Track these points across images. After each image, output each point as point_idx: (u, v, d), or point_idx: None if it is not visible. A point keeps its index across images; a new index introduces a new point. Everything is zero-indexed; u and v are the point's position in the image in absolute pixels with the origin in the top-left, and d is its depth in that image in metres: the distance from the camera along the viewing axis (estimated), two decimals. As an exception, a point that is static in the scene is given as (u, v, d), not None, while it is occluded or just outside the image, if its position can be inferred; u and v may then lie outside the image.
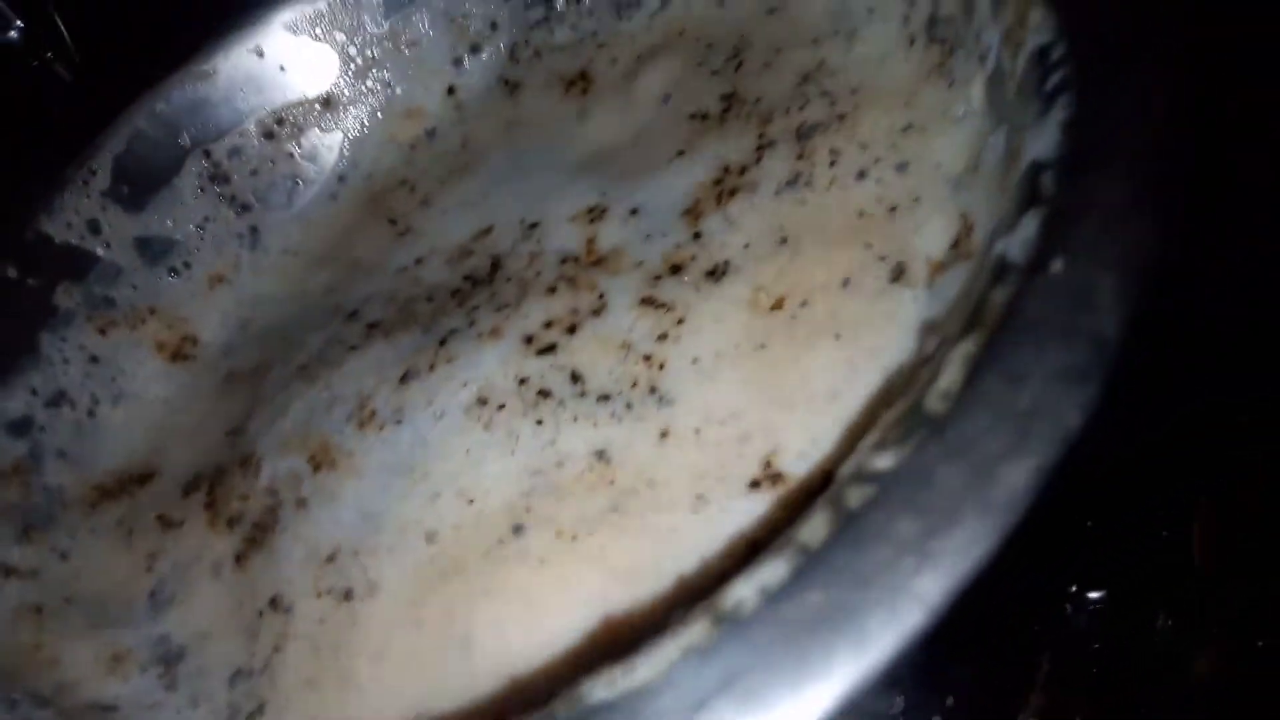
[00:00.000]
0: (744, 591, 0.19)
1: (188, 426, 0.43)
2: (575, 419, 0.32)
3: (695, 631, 0.19)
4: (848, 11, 0.39)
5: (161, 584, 0.37)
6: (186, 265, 0.47)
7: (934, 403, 0.19)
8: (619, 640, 0.27)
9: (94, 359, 0.44)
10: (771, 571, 0.19)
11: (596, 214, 0.38)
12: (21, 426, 0.41)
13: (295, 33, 0.49)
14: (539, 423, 0.32)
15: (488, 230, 0.41)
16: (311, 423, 0.37)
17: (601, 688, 0.19)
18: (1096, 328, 0.18)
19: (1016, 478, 0.17)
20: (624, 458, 0.30)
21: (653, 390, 0.32)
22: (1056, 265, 0.20)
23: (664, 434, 0.30)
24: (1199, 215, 0.20)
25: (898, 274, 0.30)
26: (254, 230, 0.49)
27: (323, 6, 0.49)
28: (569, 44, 0.48)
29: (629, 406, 0.32)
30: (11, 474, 0.40)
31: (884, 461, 0.19)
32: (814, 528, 0.19)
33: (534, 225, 0.40)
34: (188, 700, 0.32)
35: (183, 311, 0.47)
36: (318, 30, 0.50)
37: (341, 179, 0.50)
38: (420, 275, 0.41)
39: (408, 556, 0.31)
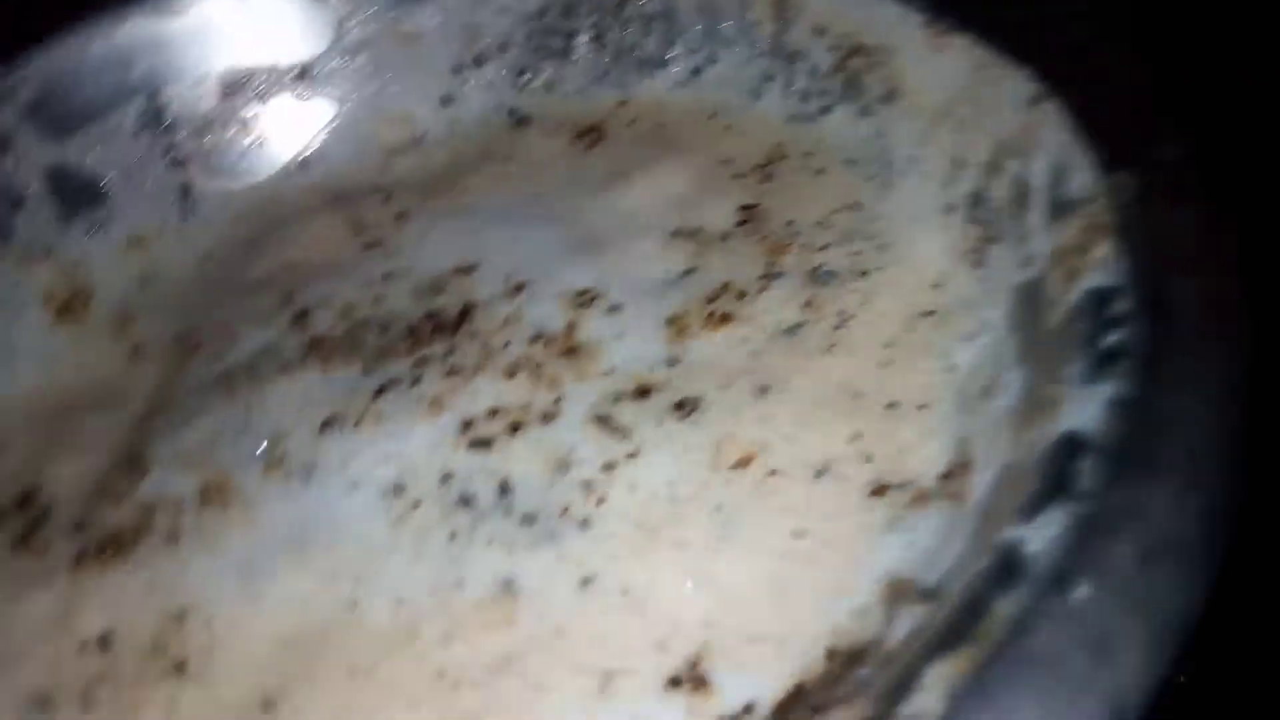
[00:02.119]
0: None
1: (58, 401, 0.39)
2: (490, 542, 0.29)
3: None
4: (886, 151, 0.37)
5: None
6: (106, 217, 0.43)
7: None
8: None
9: (-39, 289, 0.40)
10: None
11: (586, 300, 0.36)
12: None
13: (289, -14, 0.45)
14: (451, 536, 0.29)
15: (471, 268, 0.38)
16: (218, 444, 0.34)
17: None
18: (1116, 689, 0.16)
19: None
20: (533, 598, 0.28)
21: (584, 525, 0.29)
22: (1080, 592, 0.17)
23: (585, 581, 0.28)
24: (1262, 554, 0.18)
25: (878, 489, 0.28)
26: (187, 192, 0.45)
27: (326, -37, 0.45)
28: (586, 88, 0.45)
29: (553, 537, 0.29)
30: None
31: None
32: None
33: (520, 286, 0.37)
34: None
35: (85, 263, 0.42)
36: (316, -9, 0.46)
37: (303, 165, 0.46)
38: (383, 294, 0.38)
39: (265, 647, 0.28)
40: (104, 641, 0.29)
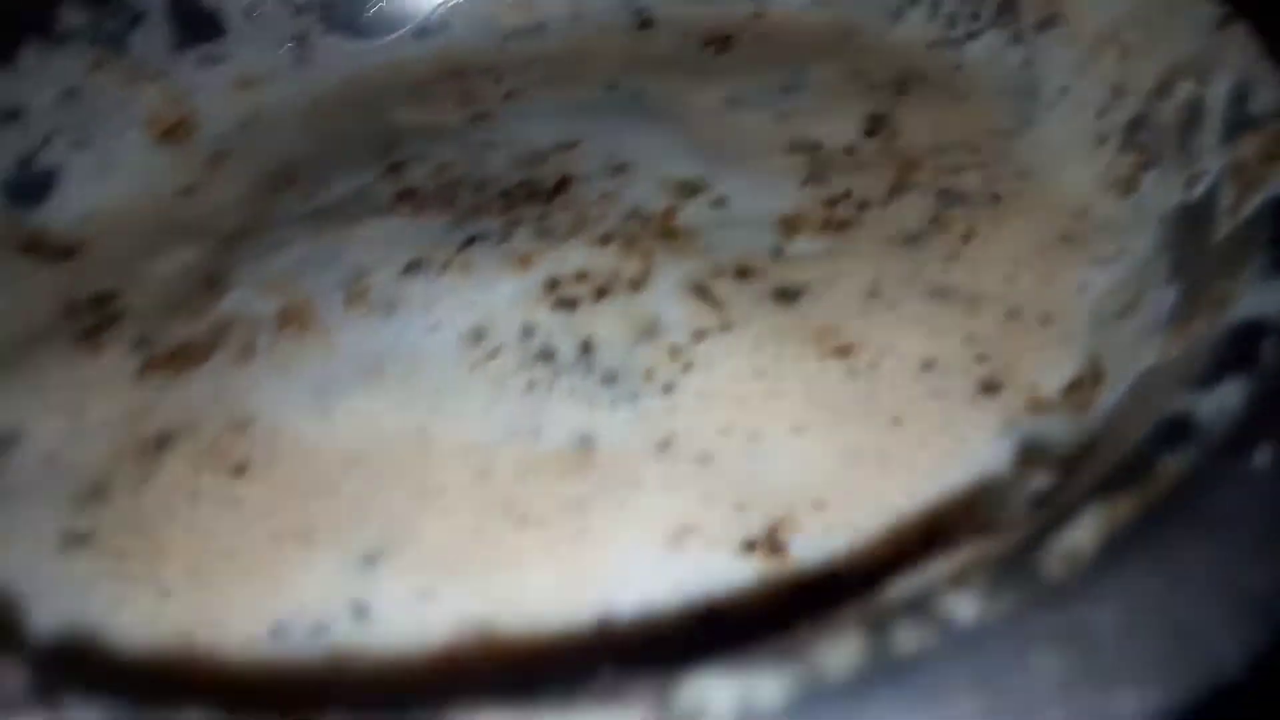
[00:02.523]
0: (717, 696, 0.14)
1: (147, 217, 0.38)
2: (571, 395, 0.27)
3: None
4: (1035, 82, 0.35)
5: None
6: (220, 52, 0.42)
7: (1052, 562, 0.14)
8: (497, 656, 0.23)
9: (71, 93, 0.39)
10: (767, 685, 0.14)
11: (689, 190, 0.34)
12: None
13: None
14: (529, 386, 0.28)
15: (573, 145, 0.37)
16: (302, 272, 0.33)
17: None
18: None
19: (1131, 708, 0.13)
20: (610, 453, 0.26)
21: (667, 389, 0.27)
22: (1261, 456, 0.15)
23: (664, 444, 0.26)
24: None
25: (989, 387, 0.26)
26: (303, 41, 0.44)
27: None
28: (720, -1, 0.44)
29: (634, 397, 0.27)
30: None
31: (963, 608, 0.14)
32: (839, 649, 0.14)
33: (622, 167, 0.35)
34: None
35: (193, 94, 0.42)
36: None
37: (420, 34, 0.45)
38: (481, 159, 0.37)
39: (330, 462, 0.27)
40: (161, 441, 0.28)
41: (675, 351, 0.28)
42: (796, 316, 0.29)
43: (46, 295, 0.35)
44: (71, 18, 0.39)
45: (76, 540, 0.26)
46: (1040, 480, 0.20)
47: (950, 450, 0.24)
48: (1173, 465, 0.16)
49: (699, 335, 0.28)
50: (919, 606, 0.14)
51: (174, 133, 0.41)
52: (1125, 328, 0.25)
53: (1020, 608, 0.14)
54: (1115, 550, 0.14)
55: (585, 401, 0.27)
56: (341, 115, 0.42)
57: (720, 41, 0.43)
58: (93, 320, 0.34)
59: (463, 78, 0.43)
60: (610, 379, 0.28)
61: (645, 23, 0.45)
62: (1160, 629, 0.14)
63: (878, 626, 0.14)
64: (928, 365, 0.27)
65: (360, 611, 0.24)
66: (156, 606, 0.24)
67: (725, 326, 0.28)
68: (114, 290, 0.35)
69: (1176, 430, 0.16)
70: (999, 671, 0.13)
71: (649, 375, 0.28)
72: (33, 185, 0.38)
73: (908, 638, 0.14)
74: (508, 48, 0.45)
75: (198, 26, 0.42)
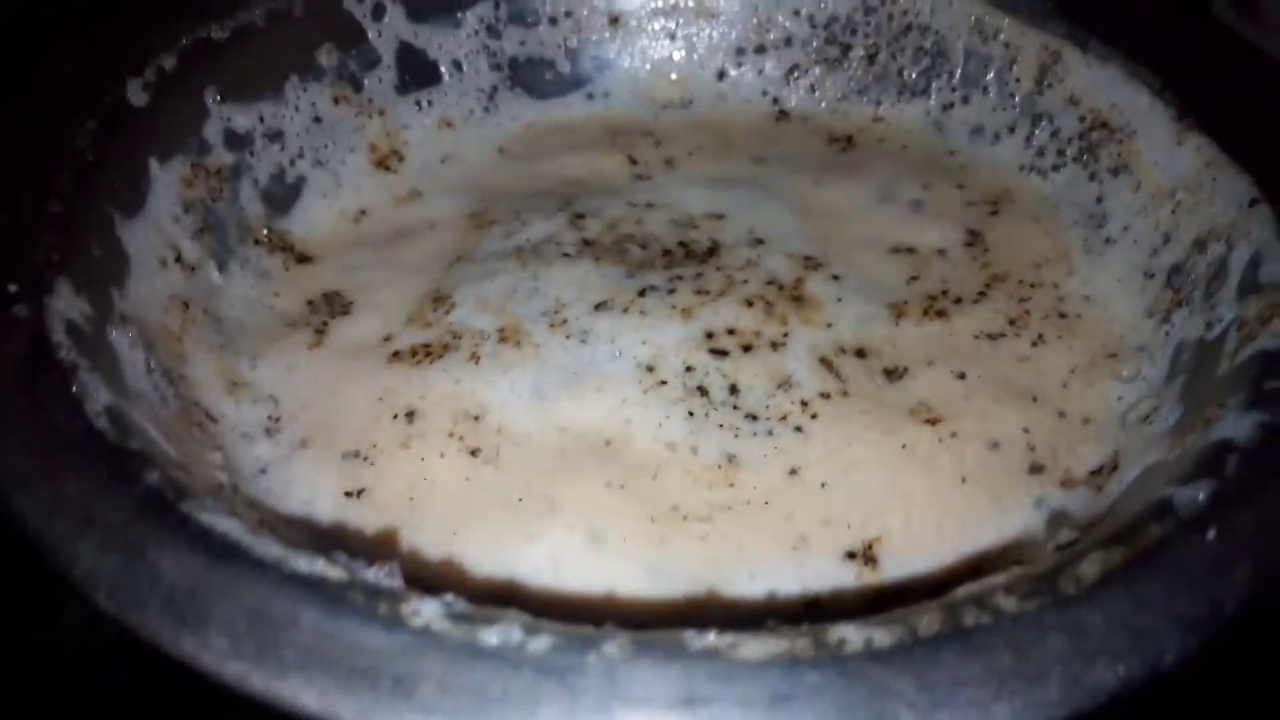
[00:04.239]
0: (851, 635, 0.24)
1: (363, 236, 0.49)
2: (720, 425, 0.38)
3: (793, 642, 0.24)
4: (1104, 218, 0.44)
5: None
6: (432, 97, 0.53)
7: (1066, 583, 0.24)
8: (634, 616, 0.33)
9: (317, 120, 0.50)
10: (880, 633, 0.24)
11: (813, 264, 0.44)
12: (239, 141, 0.46)
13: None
14: (689, 414, 0.38)
15: (721, 216, 0.47)
16: (512, 299, 0.43)
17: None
18: (1220, 600, 0.24)
19: (1108, 677, 0.23)
20: (750, 471, 0.36)
21: (798, 430, 0.37)
22: (1210, 533, 0.25)
23: (793, 471, 0.36)
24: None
25: (1036, 469, 0.36)
26: (493, 95, 0.54)
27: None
28: (846, 97, 0.54)
29: (770, 433, 0.37)
30: (214, 175, 0.45)
31: (1007, 603, 0.24)
32: (927, 621, 0.24)
33: (760, 240, 0.46)
34: (292, 446, 0.38)
35: (407, 129, 0.52)
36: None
37: (589, 97, 0.56)
38: (645, 218, 0.47)
39: (542, 457, 0.37)
40: (410, 416, 0.39)
41: (806, 404, 0.38)
42: (899, 391, 0.39)
43: (293, 289, 0.46)
44: (326, 58, 0.50)
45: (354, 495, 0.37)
46: (1064, 535, 0.30)
47: (1000, 510, 0.34)
48: (1154, 532, 0.25)
49: (824, 396, 0.39)
50: (980, 600, 0.24)
51: (387, 162, 0.52)
52: (1141, 432, 0.35)
53: (1044, 606, 0.24)
54: (1108, 580, 0.24)
55: (732, 431, 0.38)
56: (524, 161, 0.53)
57: (844, 140, 0.53)
58: (328, 314, 0.44)
59: (626, 139, 0.54)
60: (752, 417, 0.38)
61: (782, 114, 0.55)
62: (1128, 629, 0.23)
63: (952, 608, 0.24)
64: (993, 446, 0.37)
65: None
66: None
67: (845, 394, 0.39)
68: (341, 291, 0.45)
69: (1160, 510, 0.26)
70: (1026, 644, 0.23)
71: (784, 419, 0.38)
72: (283, 195, 0.49)
73: (971, 616, 0.24)
74: (663, 119, 0.55)
75: (418, 73, 0.53)
